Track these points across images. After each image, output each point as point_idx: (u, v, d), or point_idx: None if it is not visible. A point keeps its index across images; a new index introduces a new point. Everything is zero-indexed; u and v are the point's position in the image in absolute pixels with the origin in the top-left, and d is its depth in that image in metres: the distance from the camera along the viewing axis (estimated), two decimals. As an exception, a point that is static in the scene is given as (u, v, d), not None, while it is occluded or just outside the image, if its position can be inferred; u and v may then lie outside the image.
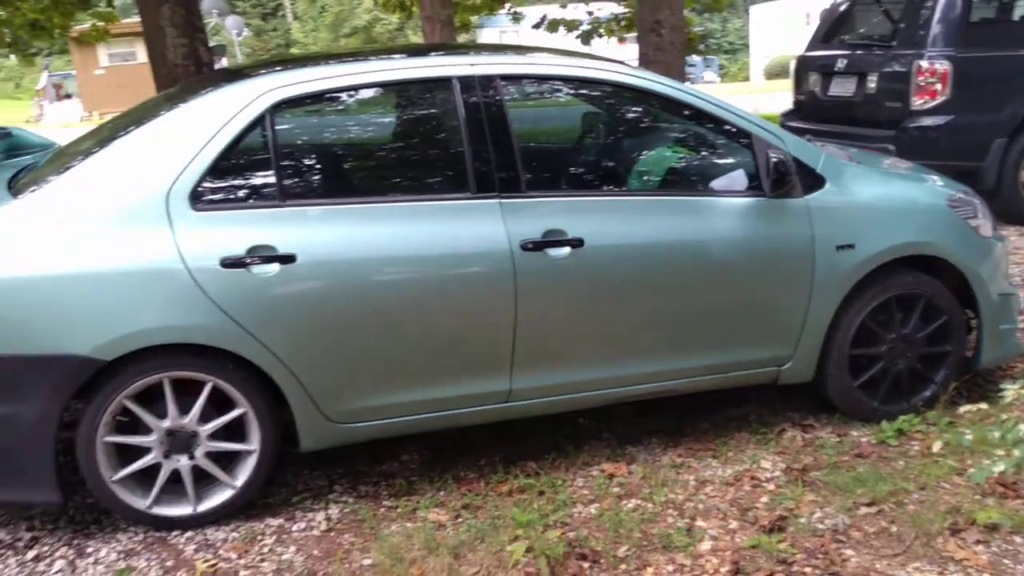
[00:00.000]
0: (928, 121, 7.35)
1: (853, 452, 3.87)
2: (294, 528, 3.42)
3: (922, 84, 7.31)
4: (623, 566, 3.12)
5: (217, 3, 26.82)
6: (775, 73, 31.61)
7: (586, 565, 3.12)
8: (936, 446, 3.70)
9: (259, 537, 3.36)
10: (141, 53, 9.30)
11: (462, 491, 3.65)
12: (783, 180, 3.65)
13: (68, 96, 31.97)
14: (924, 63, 7.30)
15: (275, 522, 3.46)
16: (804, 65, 8.93)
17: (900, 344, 4.04)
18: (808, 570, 3.06)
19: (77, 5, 11.29)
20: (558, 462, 3.87)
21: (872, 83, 7.78)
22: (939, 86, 7.27)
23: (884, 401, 4.08)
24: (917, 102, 7.37)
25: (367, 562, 3.17)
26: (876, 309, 3.97)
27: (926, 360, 4.10)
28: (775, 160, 3.62)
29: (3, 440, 3.11)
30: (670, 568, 3.10)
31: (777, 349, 3.90)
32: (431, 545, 3.22)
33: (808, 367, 3.96)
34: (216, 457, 3.39)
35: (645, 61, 8.25)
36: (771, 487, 3.61)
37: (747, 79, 39.64)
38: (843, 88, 8.19)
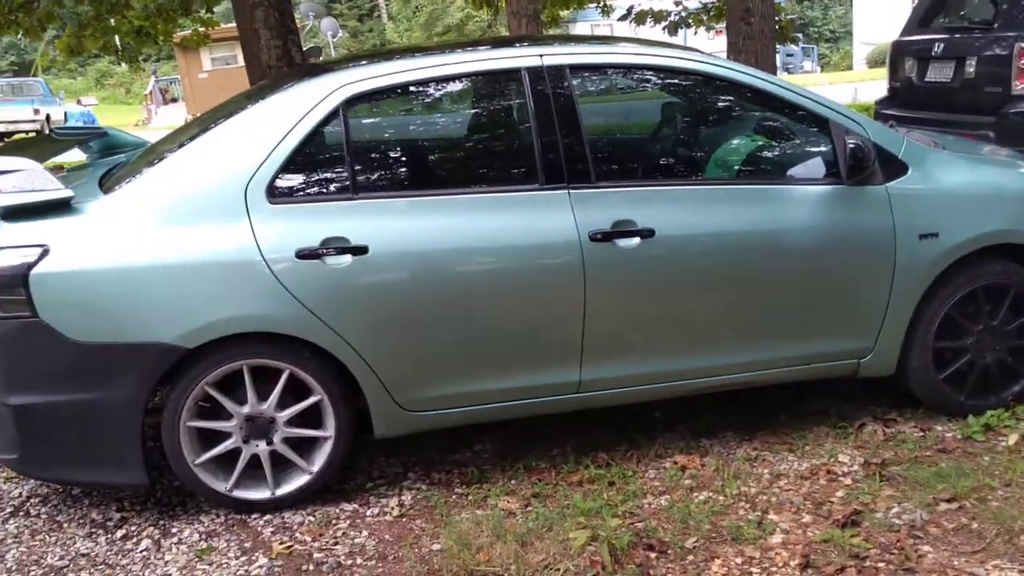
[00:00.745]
0: (1030, 106, 7.03)
1: (936, 447, 3.75)
2: (368, 513, 3.51)
3: (1024, 67, 7.00)
4: (690, 557, 3.10)
5: (313, 6, 27.46)
6: (878, 61, 30.61)
7: (653, 555, 3.11)
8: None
9: (334, 521, 3.45)
10: (240, 56, 9.62)
11: (532, 480, 3.68)
12: (860, 166, 3.56)
13: (174, 100, 33.20)
14: (1027, 45, 7.00)
15: (350, 507, 3.55)
16: (900, 50, 8.64)
17: (988, 336, 3.89)
18: (881, 565, 2.99)
19: (179, 12, 11.71)
20: (630, 453, 3.86)
21: (971, 67, 7.48)
22: (1042, 69, 6.95)
23: (971, 395, 3.94)
24: (1019, 87, 7.07)
25: (436, 547, 3.23)
26: (962, 300, 3.83)
27: (1016, 353, 3.94)
28: (852, 146, 3.53)
29: (95, 424, 3.27)
30: (738, 560, 3.06)
31: (856, 341, 3.81)
32: (499, 532, 3.25)
33: (890, 360, 3.85)
34: (293, 443, 3.49)
35: (735, 50, 8.13)
36: (847, 481, 3.53)
37: (849, 68, 38.50)
38: (940, 73, 7.91)
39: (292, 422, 3.46)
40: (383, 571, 3.14)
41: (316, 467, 3.50)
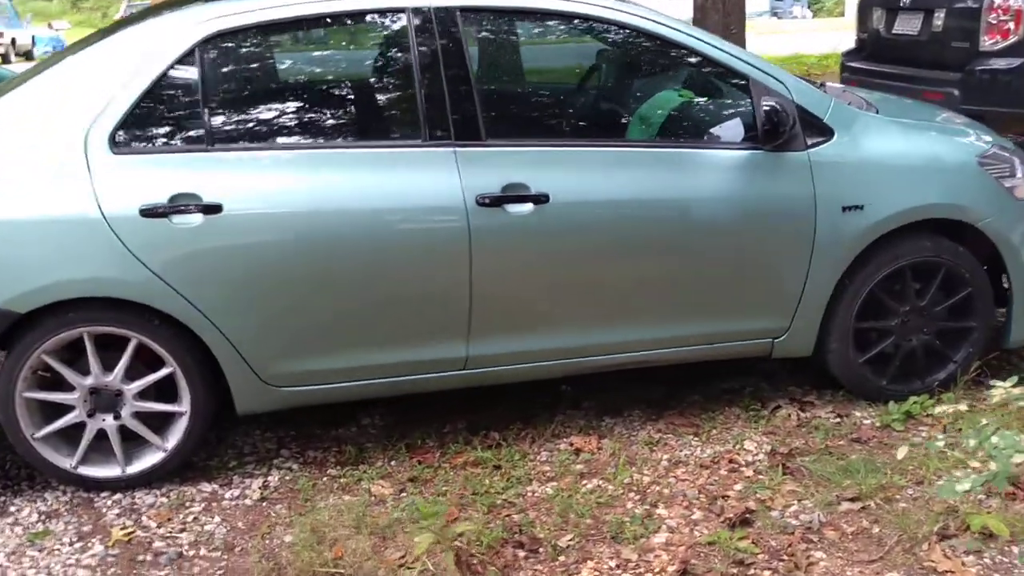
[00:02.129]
0: (999, 63, 6.67)
1: (850, 436, 3.49)
2: (227, 496, 3.23)
3: (993, 22, 6.61)
4: (561, 558, 2.84)
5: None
6: (868, 8, 29.91)
7: (521, 554, 2.85)
8: (939, 436, 3.30)
9: (187, 504, 3.17)
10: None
11: (414, 462, 3.40)
12: (777, 130, 3.22)
13: (148, 26, 32.21)
14: (997, -1, 6.62)
15: (209, 487, 3.27)
16: (868, 0, 8.23)
17: (915, 318, 3.60)
18: (767, 574, 2.73)
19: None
20: (525, 433, 3.58)
21: (939, 20, 7.09)
22: (1012, 24, 6.57)
23: (894, 380, 3.67)
24: (987, 42, 6.69)
25: (288, 539, 2.95)
26: (887, 278, 3.54)
27: (946, 336, 3.66)
28: (767, 107, 3.20)
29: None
30: (612, 564, 2.80)
31: (771, 320, 3.52)
32: (360, 523, 2.98)
33: (806, 340, 3.57)
34: (147, 418, 3.19)
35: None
36: (749, 473, 3.27)
37: (842, 15, 37.77)
38: (908, 26, 7.51)
39: (144, 395, 3.15)
40: (226, 565, 2.86)
41: (171, 444, 3.21)
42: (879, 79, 7.64)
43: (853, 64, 8.00)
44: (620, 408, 3.77)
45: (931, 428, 3.50)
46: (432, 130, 3.14)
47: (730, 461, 3.34)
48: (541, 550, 2.87)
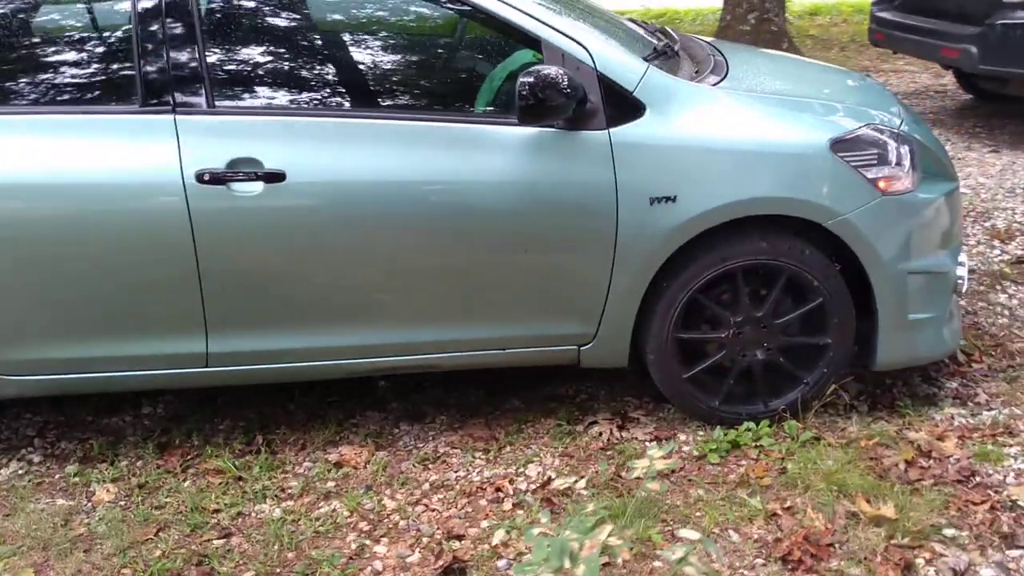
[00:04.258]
0: (1021, 16, 5.75)
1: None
2: (-57, 489, 2.98)
3: (1018, -32, 5.70)
4: (223, 601, 2.46)
5: None
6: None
7: (185, 593, 2.49)
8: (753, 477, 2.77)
9: (-99, 495, 2.94)
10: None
11: (157, 464, 3.07)
12: (539, 106, 2.67)
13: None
14: (1025, -60, 5.69)
15: (-68, 479, 3.02)
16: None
17: (752, 330, 3.02)
18: (441, 643, 2.29)
19: None
20: (302, 436, 3.20)
21: (963, -36, 6.18)
22: (1040, -29, 5.65)
23: (730, 400, 3.11)
24: (1012, -8, 5.79)
25: (-44, 550, 2.67)
26: (714, 282, 2.97)
27: (794, 353, 3.07)
28: (526, 80, 2.64)
29: None
30: (272, 613, 2.41)
31: (574, 325, 3.01)
32: (52, 535, 2.68)
33: (618, 350, 3.04)
34: None
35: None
36: (508, 506, 2.81)
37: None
38: (934, -28, 6.60)
39: None
40: None
41: None
42: (904, 32, 6.78)
43: (882, 15, 7.11)
44: (425, 413, 3.34)
45: (754, 464, 2.94)
46: (149, 94, 2.74)
47: (497, 490, 2.88)
48: (210, 589, 2.51)
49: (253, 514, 2.82)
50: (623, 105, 2.83)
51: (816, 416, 3.12)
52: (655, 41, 3.37)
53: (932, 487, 2.79)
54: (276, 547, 2.66)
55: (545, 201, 2.84)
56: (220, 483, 2.96)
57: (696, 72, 3.13)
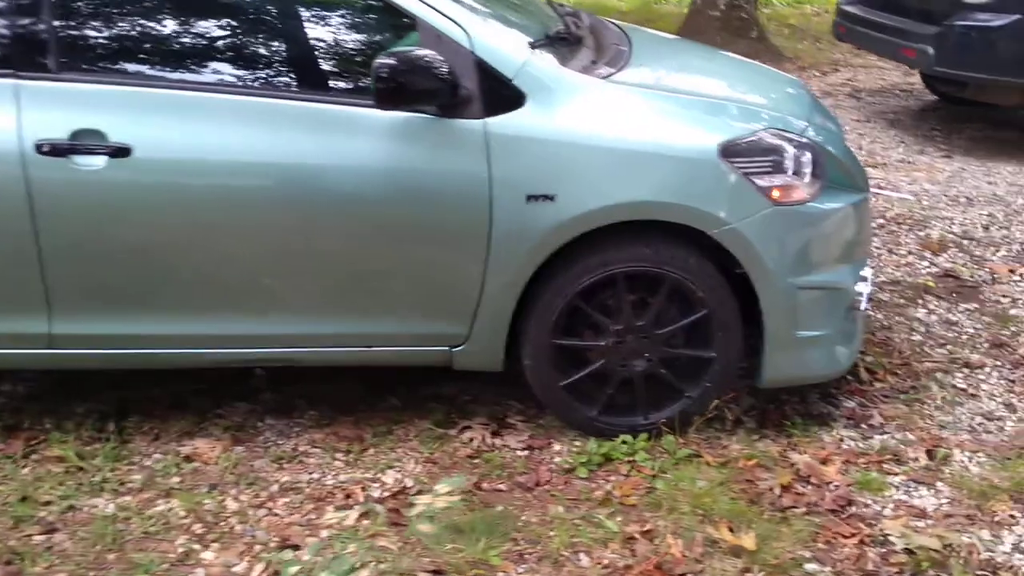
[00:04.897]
0: (983, 18, 5.57)
1: (521, 477, 2.81)
2: None
3: (979, -32, 5.52)
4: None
5: None
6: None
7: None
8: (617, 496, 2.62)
9: None
10: None
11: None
12: (398, 92, 2.49)
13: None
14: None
15: None
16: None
17: (634, 339, 2.86)
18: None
19: None
20: (157, 425, 3.03)
21: (926, -39, 5.99)
22: (1001, -28, 5.46)
23: (609, 411, 2.95)
24: (972, -7, 5.60)
25: None
26: (594, 288, 2.80)
27: (674, 364, 2.91)
28: (385, 64, 2.45)
29: None
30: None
31: (444, 325, 2.84)
32: None
33: (492, 353, 2.88)
34: None
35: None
36: (353, 517, 2.64)
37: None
38: (899, -34, 6.40)
39: None
40: None
41: None
42: (866, 28, 6.60)
43: (847, 8, 6.93)
44: (296, 407, 3.16)
45: (623, 480, 2.78)
46: (-10, 57, 2.55)
47: (347, 496, 2.73)
48: (11, 590, 2.34)
49: (85, 509, 2.66)
50: (502, 93, 2.65)
51: (699, 432, 2.97)
52: (560, 26, 3.18)
53: (804, 515, 2.64)
54: (98, 547, 2.50)
55: (412, 191, 2.67)
56: (59, 472, 2.79)
57: (592, 62, 2.94)
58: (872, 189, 5.20)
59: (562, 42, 2.99)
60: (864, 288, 3.01)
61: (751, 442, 2.97)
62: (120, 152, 2.57)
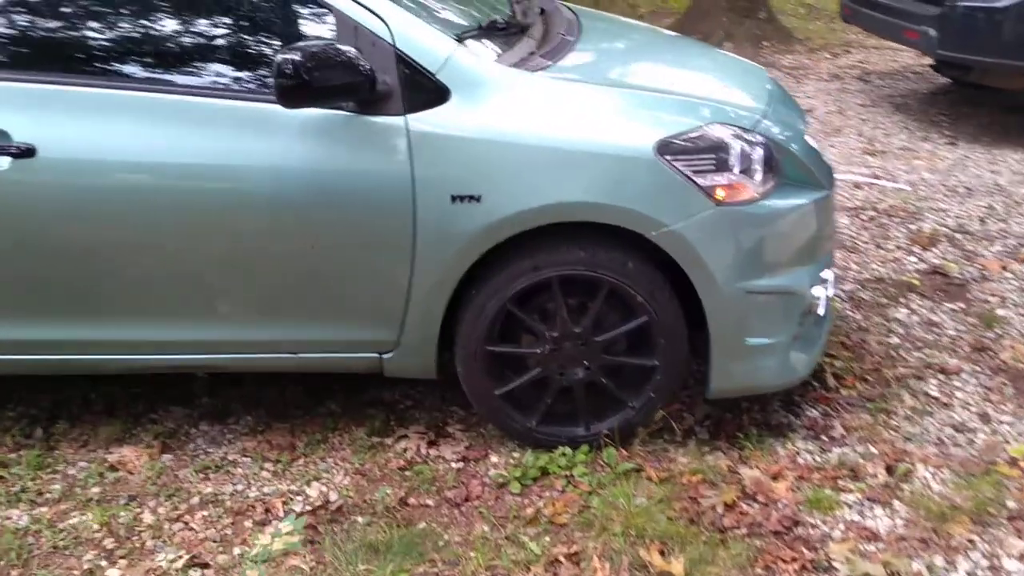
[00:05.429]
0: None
1: (450, 492, 2.68)
2: None
3: (983, -56, 5.26)
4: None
5: None
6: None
7: None
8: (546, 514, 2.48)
9: None
10: None
11: (-80, 455, 2.82)
12: (308, 87, 2.34)
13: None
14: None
15: None
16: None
17: (571, 346, 2.71)
18: None
19: None
20: (87, 433, 2.94)
21: (930, -62, 5.72)
22: (1007, -51, 5.20)
23: (548, 422, 2.81)
24: (976, -28, 5.34)
25: None
26: (528, 293, 2.65)
27: (615, 373, 2.76)
28: (287, 59, 2.31)
29: None
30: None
31: (371, 331, 2.71)
32: None
33: (423, 359, 2.75)
34: None
35: None
36: (266, 535, 2.52)
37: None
38: (904, -56, 6.13)
39: None
40: None
41: None
42: (871, 9, 6.35)
43: (849, -4, 6.66)
44: (232, 412, 3.06)
45: (558, 496, 2.65)
46: None
47: (267, 510, 2.62)
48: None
49: (-1, 520, 2.58)
50: (424, 89, 2.50)
51: (644, 444, 2.82)
52: (502, 15, 3.02)
53: (744, 537, 2.49)
54: (2, 563, 2.41)
55: (332, 192, 2.53)
56: (-25, 481, 2.71)
57: (530, 54, 2.78)
58: (867, 178, 5.04)
59: (498, 33, 2.83)
60: (823, 291, 2.84)
61: (700, 455, 2.81)
62: (23, 152, 2.46)
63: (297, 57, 2.30)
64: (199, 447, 2.90)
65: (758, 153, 2.66)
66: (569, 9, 3.42)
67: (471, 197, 2.51)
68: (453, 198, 2.52)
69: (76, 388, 3.12)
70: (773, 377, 2.79)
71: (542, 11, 3.27)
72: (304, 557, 2.43)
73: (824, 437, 2.93)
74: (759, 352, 2.72)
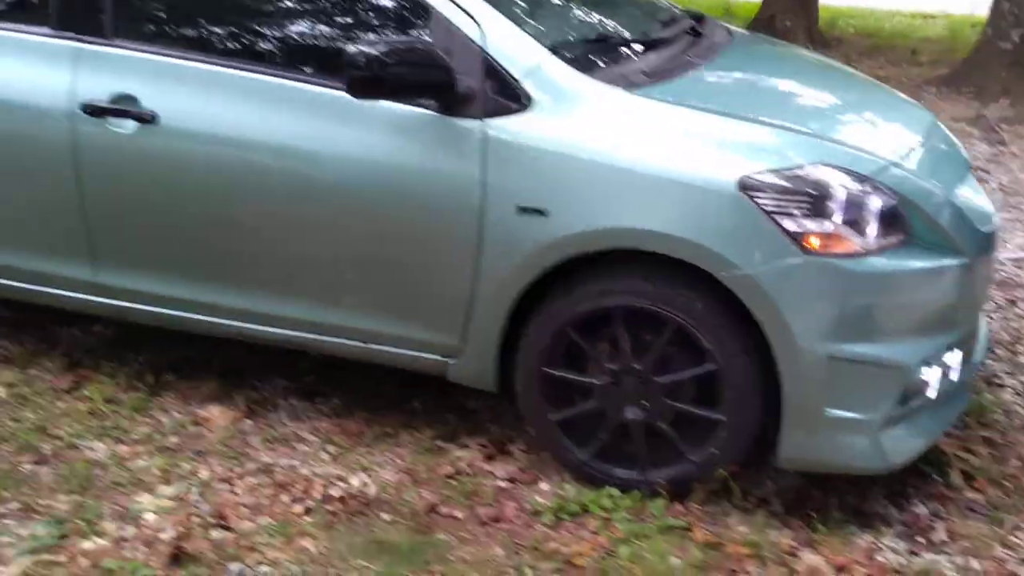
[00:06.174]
0: None
1: (480, 510, 2.60)
2: None
3: None
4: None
5: None
6: None
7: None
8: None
9: None
10: None
11: (50, 380, 3.16)
12: (380, 82, 2.37)
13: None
14: None
15: None
16: None
17: (631, 382, 2.55)
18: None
19: None
20: (195, 386, 3.15)
21: None
22: None
23: (601, 457, 2.65)
24: None
25: None
26: (589, 318, 2.53)
27: (684, 422, 2.56)
28: (372, 49, 2.34)
29: None
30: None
31: (438, 334, 2.70)
32: None
33: (484, 371, 2.69)
34: None
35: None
36: (298, 509, 2.58)
37: None
38: None
39: None
40: None
41: None
42: None
43: None
44: (322, 393, 3.16)
45: (587, 538, 2.49)
46: (60, 18, 2.78)
47: (306, 490, 2.67)
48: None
49: (84, 449, 2.82)
50: (506, 95, 2.46)
51: (704, 503, 2.59)
52: (634, 30, 2.91)
53: (772, 627, 2.21)
54: (66, 486, 2.63)
55: (406, 189, 2.56)
56: (83, 411, 2.98)
57: (636, 71, 2.63)
58: None
59: (613, 46, 2.72)
60: (937, 373, 2.46)
61: (763, 528, 2.53)
62: (147, 118, 2.69)
63: (370, 50, 2.34)
64: (279, 419, 3.02)
65: (874, 203, 2.37)
66: (728, 31, 3.23)
67: (536, 210, 2.44)
68: (520, 209, 2.45)
69: (202, 347, 3.34)
70: (857, 458, 2.46)
71: (693, 31, 3.10)
72: (318, 539, 2.45)
73: (921, 539, 2.54)
74: (841, 427, 2.41)
